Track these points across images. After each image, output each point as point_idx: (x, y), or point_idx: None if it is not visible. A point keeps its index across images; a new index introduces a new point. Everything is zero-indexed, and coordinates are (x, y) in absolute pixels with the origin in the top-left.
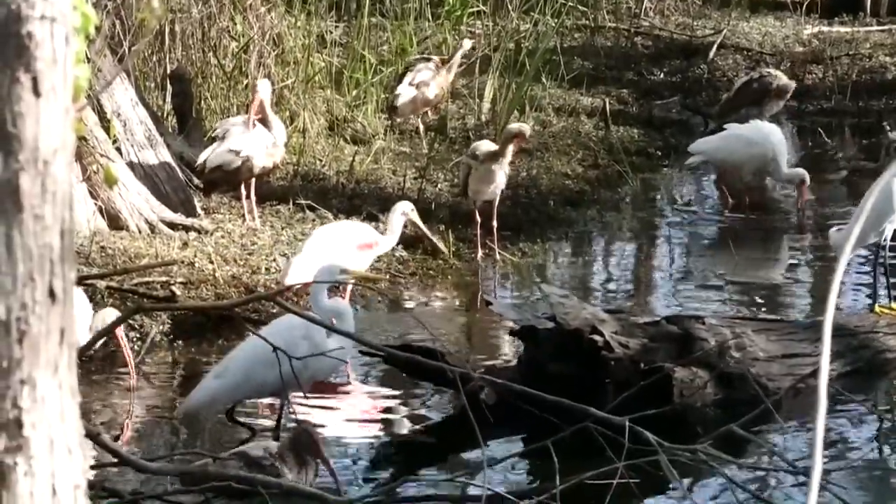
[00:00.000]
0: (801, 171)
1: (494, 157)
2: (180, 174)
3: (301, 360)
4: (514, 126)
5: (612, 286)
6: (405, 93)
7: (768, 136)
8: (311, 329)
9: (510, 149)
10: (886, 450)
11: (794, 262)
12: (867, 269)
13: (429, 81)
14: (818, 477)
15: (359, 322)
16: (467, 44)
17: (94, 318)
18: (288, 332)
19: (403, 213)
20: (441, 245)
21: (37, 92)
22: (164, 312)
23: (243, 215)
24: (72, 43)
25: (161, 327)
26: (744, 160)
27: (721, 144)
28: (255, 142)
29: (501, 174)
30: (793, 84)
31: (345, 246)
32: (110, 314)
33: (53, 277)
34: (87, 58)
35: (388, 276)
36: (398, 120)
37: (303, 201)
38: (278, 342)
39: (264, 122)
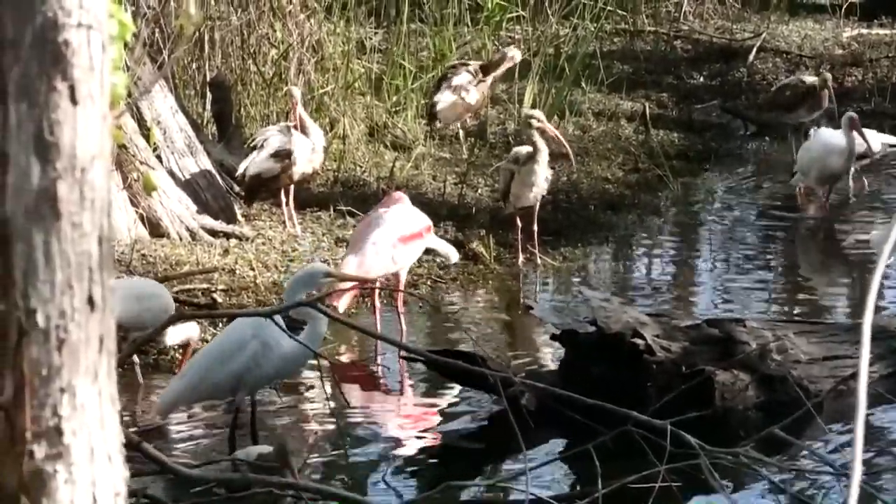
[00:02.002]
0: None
1: (532, 155)
2: (220, 181)
3: (253, 359)
4: (524, 112)
5: (652, 290)
6: (444, 99)
7: (827, 142)
8: (262, 328)
9: (538, 139)
10: None
11: (836, 263)
12: None
13: (468, 87)
14: (858, 479)
15: (399, 326)
16: (517, 55)
17: None
18: (239, 330)
19: None
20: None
21: (74, 100)
22: (206, 320)
23: (283, 222)
24: (109, 50)
25: (203, 334)
26: (807, 168)
27: (799, 155)
28: (295, 148)
29: (543, 178)
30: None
31: (392, 241)
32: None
33: (92, 285)
34: (126, 66)
35: (378, 282)
36: (438, 126)
37: (343, 207)
38: (232, 340)
39: (302, 128)
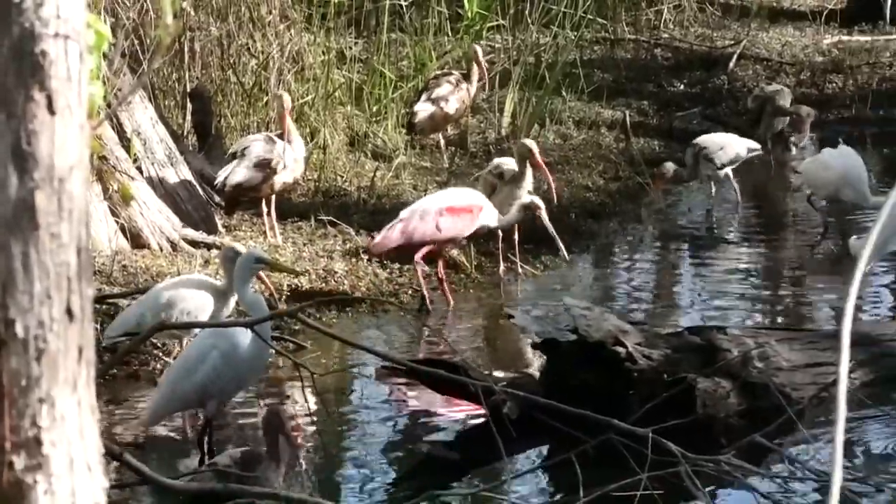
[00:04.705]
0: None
1: (517, 179)
2: (201, 192)
3: (214, 369)
4: (523, 143)
5: (634, 298)
6: (423, 109)
7: (843, 161)
8: (220, 338)
9: (528, 170)
10: None
11: (816, 271)
12: (891, 277)
13: (448, 97)
14: (839, 486)
15: (381, 336)
16: (478, 50)
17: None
18: (200, 342)
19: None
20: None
21: (51, 110)
22: (186, 330)
23: (265, 232)
24: (86, 60)
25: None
26: (818, 185)
27: (808, 167)
28: (278, 157)
29: (524, 193)
30: (787, 106)
31: (438, 209)
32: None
33: (71, 295)
34: (105, 76)
35: (305, 270)
36: (418, 136)
37: (324, 217)
38: (194, 352)
39: (286, 136)
